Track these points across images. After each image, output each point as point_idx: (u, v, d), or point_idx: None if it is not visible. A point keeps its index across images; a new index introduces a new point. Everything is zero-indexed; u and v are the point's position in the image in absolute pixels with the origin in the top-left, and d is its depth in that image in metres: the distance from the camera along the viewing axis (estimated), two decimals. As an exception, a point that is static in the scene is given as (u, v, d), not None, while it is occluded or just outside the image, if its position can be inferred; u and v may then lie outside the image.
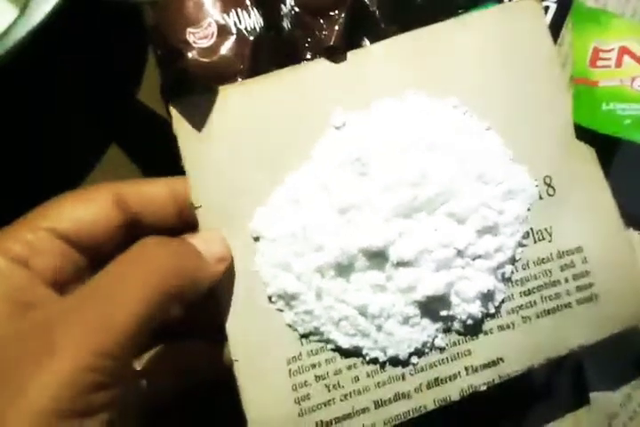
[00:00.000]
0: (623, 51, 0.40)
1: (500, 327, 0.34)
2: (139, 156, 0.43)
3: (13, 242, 0.30)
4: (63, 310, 0.28)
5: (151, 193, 0.34)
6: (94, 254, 0.32)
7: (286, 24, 0.39)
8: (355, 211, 0.33)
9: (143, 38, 0.42)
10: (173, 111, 0.35)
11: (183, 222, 0.35)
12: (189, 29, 0.37)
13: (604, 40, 0.41)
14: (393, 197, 0.32)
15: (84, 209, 0.32)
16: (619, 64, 0.40)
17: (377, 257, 0.32)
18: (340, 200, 0.33)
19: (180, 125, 0.35)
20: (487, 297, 0.34)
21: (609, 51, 0.40)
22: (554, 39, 0.43)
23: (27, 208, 0.42)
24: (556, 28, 0.45)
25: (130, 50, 0.43)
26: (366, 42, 0.40)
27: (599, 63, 0.40)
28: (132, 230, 0.33)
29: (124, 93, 0.43)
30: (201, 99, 0.35)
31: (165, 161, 0.36)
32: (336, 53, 0.36)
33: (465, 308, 0.33)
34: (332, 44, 0.37)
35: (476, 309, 0.33)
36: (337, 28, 0.37)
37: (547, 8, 0.44)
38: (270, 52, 0.38)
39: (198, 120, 0.35)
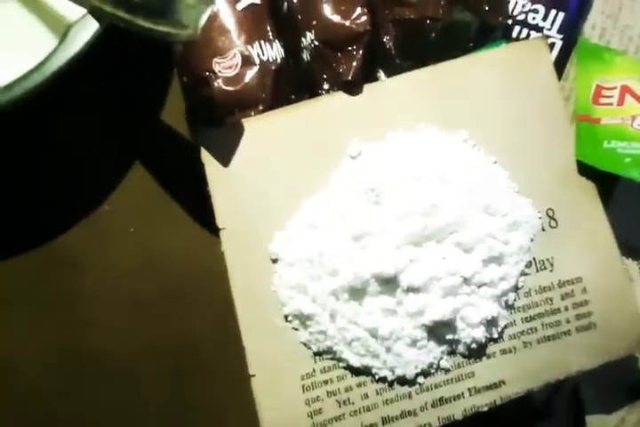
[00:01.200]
0: (625, 89, 0.42)
1: (503, 351, 0.37)
2: (162, 173, 0.45)
3: None
4: None
5: None
6: None
7: (306, 56, 0.41)
8: (368, 238, 0.35)
9: (167, 63, 0.44)
10: (201, 140, 0.38)
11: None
12: (215, 59, 0.40)
13: (606, 78, 0.43)
14: (405, 226, 0.35)
15: None
16: (621, 102, 0.42)
17: (388, 283, 0.35)
18: (355, 228, 0.35)
19: (207, 154, 0.37)
20: (491, 323, 0.36)
21: (611, 89, 0.43)
22: (559, 74, 0.45)
23: (50, 227, 0.44)
24: (561, 64, 0.47)
25: (154, 74, 0.45)
26: (381, 74, 0.42)
27: (602, 100, 0.42)
28: None
29: (149, 115, 0.46)
30: (226, 130, 0.38)
31: (187, 181, 0.39)
32: (353, 87, 0.39)
33: (470, 332, 0.35)
34: (349, 78, 0.39)
35: (480, 333, 0.35)
36: (355, 63, 0.40)
37: (552, 44, 0.46)
38: (290, 82, 0.41)
39: (224, 150, 0.38)
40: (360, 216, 0.35)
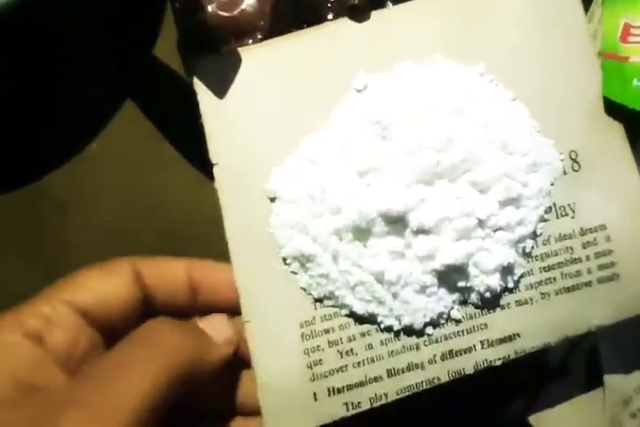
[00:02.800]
0: (655, 28, 0.39)
1: (518, 302, 0.34)
2: (153, 111, 0.42)
3: (30, 316, 0.30)
4: (69, 393, 0.27)
5: (169, 273, 0.34)
6: (109, 331, 0.32)
7: None
8: (375, 174, 0.32)
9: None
10: (195, 68, 0.35)
11: (195, 306, 0.35)
12: (209, -19, 0.36)
13: (634, 16, 0.40)
14: (415, 162, 0.32)
15: (105, 283, 0.32)
16: (650, 41, 0.38)
17: (396, 223, 0.32)
18: (360, 162, 0.32)
19: (201, 83, 0.34)
20: (506, 270, 0.33)
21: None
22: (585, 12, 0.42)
23: (41, 164, 0.41)
24: (586, 3, 0.44)
25: (146, 2, 0.42)
26: (389, 4, 0.39)
27: (630, 39, 0.39)
28: (145, 308, 0.33)
29: (140, 47, 0.43)
30: (222, 58, 0.35)
31: (179, 116, 0.36)
32: (359, 12, 0.35)
33: (483, 280, 0.32)
34: (355, 2, 0.36)
35: (494, 281, 0.32)
36: None
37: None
38: (291, 9, 0.38)
39: (219, 79, 0.35)
40: (366, 150, 0.32)
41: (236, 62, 0.35)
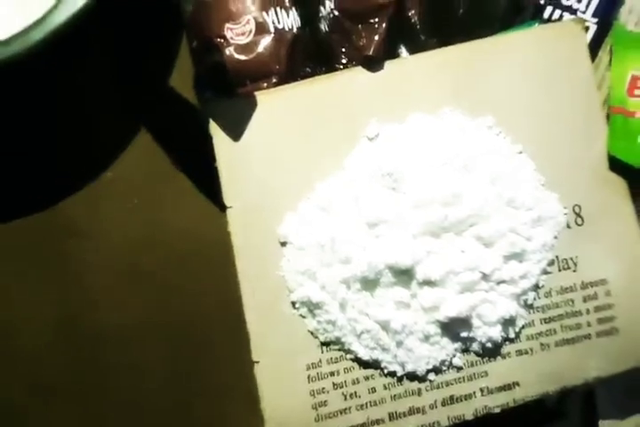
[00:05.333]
0: (661, 82, 0.40)
1: (519, 352, 0.35)
2: (168, 141, 0.43)
3: None
4: None
5: None
6: None
7: (324, 26, 0.39)
8: (384, 226, 0.33)
9: (177, 26, 0.42)
10: (211, 111, 0.36)
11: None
12: (228, 25, 0.37)
13: (642, 69, 0.41)
14: (423, 215, 0.33)
15: None
16: (657, 95, 0.39)
17: (403, 274, 0.33)
18: (370, 214, 0.33)
19: (216, 127, 0.35)
20: (508, 322, 0.34)
21: None
22: (592, 60, 0.43)
23: (57, 191, 0.42)
24: (593, 50, 0.44)
25: (163, 37, 0.43)
26: (403, 51, 0.40)
27: (637, 92, 0.40)
28: None
29: (156, 80, 0.43)
30: (238, 101, 0.36)
31: (193, 146, 0.37)
32: (374, 63, 0.36)
33: (486, 331, 0.34)
34: (370, 53, 0.37)
35: (496, 333, 0.34)
36: (376, 37, 0.37)
37: (586, 28, 0.44)
38: (306, 52, 0.39)
39: (234, 123, 0.36)
40: (376, 202, 0.33)
41: (251, 106, 0.36)
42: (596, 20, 0.43)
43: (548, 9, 0.43)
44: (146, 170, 0.42)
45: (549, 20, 0.44)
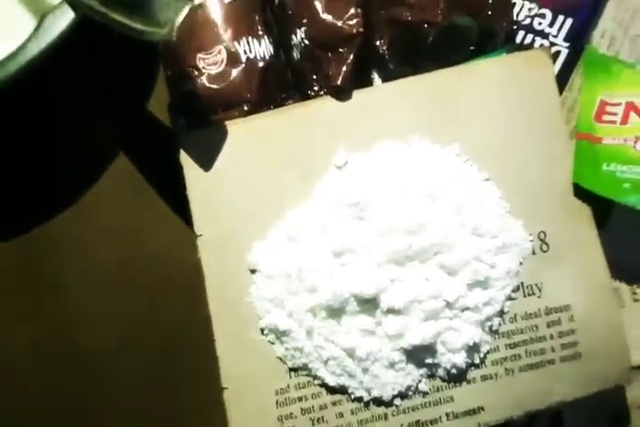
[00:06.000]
0: (630, 107, 0.41)
1: (484, 377, 0.35)
2: (146, 167, 0.44)
3: None
4: None
5: None
6: None
7: (296, 54, 0.40)
8: (350, 255, 0.34)
9: (155, 53, 0.43)
10: (181, 142, 0.37)
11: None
12: (200, 55, 0.38)
13: (612, 93, 0.41)
14: (388, 244, 0.34)
15: None
16: (624, 121, 0.40)
17: (368, 303, 0.33)
18: (336, 244, 0.34)
19: (187, 157, 0.36)
20: (473, 348, 0.35)
21: (616, 105, 0.41)
22: (563, 84, 0.44)
23: (33, 213, 0.43)
24: (566, 73, 0.45)
25: (141, 63, 0.44)
26: (376, 77, 0.40)
27: (605, 118, 0.41)
28: None
29: (134, 103, 0.44)
30: (209, 132, 0.37)
31: (171, 177, 0.38)
32: (342, 92, 0.37)
33: (450, 357, 0.34)
34: (338, 83, 0.37)
35: (460, 359, 0.34)
36: (344, 67, 0.38)
37: (558, 53, 0.44)
38: (280, 79, 0.39)
39: (204, 153, 0.37)
40: (342, 232, 0.34)
41: (221, 136, 0.37)
42: (567, 44, 0.44)
43: (521, 34, 0.44)
44: (124, 193, 0.43)
45: (521, 44, 0.44)
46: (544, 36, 0.44)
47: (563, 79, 0.44)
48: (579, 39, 0.44)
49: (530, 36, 0.44)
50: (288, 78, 0.40)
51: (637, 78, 0.43)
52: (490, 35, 0.41)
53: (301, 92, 0.39)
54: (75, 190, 0.44)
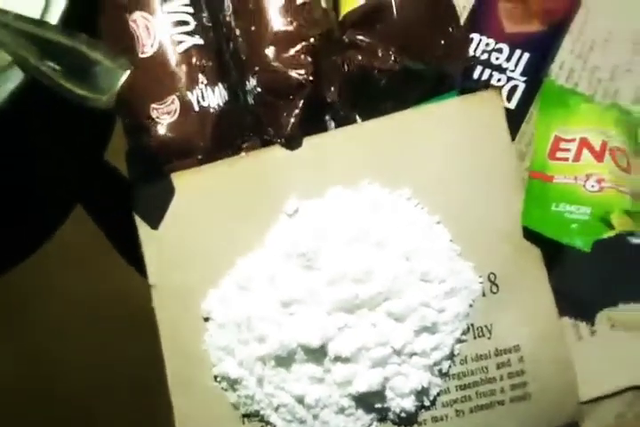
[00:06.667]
0: (583, 143, 0.41)
1: (435, 419, 0.36)
2: (102, 216, 0.44)
3: None
4: None
5: None
6: None
7: (250, 99, 0.40)
8: (298, 304, 0.34)
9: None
10: (135, 195, 0.37)
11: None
12: (153, 105, 0.39)
13: (567, 128, 0.42)
14: (336, 293, 0.34)
15: None
16: (577, 158, 0.40)
17: (316, 351, 0.34)
18: (284, 294, 0.34)
19: (139, 210, 0.37)
20: (422, 392, 0.35)
21: (570, 141, 0.41)
22: (521, 118, 0.44)
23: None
24: (524, 107, 0.45)
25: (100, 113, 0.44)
26: (330, 122, 0.41)
27: (558, 155, 0.41)
28: None
29: (91, 153, 0.45)
30: (161, 183, 0.37)
31: (126, 222, 0.38)
32: (291, 141, 0.38)
33: (399, 402, 0.35)
34: (287, 131, 0.38)
35: (409, 403, 0.35)
36: (293, 116, 0.38)
37: (515, 87, 0.45)
38: (237, 124, 0.40)
39: (157, 204, 0.38)
40: (290, 281, 0.35)
41: (173, 187, 0.37)
42: (525, 78, 0.44)
43: (478, 69, 0.44)
44: (83, 241, 0.43)
45: (479, 80, 0.45)
46: (501, 70, 0.44)
47: (520, 113, 0.44)
48: (536, 73, 0.44)
49: (487, 71, 0.45)
50: (248, 122, 0.40)
51: (594, 113, 0.43)
52: (445, 76, 0.41)
53: (260, 136, 0.40)
54: (35, 240, 0.44)
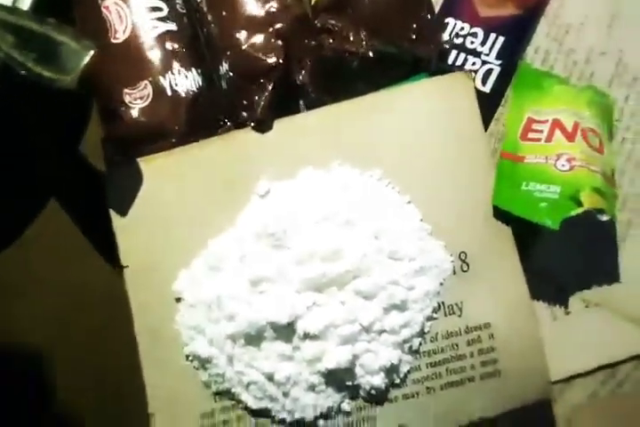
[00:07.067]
0: (556, 124, 0.41)
1: (405, 396, 0.36)
2: (75, 205, 0.45)
3: None
4: None
5: None
6: None
7: (224, 84, 0.41)
8: (267, 283, 0.35)
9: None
10: (108, 178, 0.38)
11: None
12: (126, 90, 0.39)
13: (540, 109, 0.42)
14: (304, 271, 0.34)
15: None
16: (549, 139, 0.40)
17: (284, 329, 0.34)
18: (253, 272, 0.35)
19: (111, 193, 0.37)
20: (392, 369, 0.36)
21: (543, 122, 0.41)
22: (496, 103, 0.44)
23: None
24: (499, 91, 0.45)
25: (75, 102, 0.45)
26: (301, 105, 0.41)
27: (530, 135, 0.41)
28: None
29: (66, 143, 0.45)
30: (133, 167, 0.37)
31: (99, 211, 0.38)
32: (262, 124, 0.38)
33: (369, 379, 0.35)
34: (257, 114, 0.38)
35: (379, 380, 0.35)
36: (264, 99, 0.39)
37: (490, 71, 0.45)
38: (213, 108, 0.40)
39: (128, 188, 0.38)
40: (259, 260, 0.35)
41: (145, 170, 0.38)
42: (500, 62, 0.44)
43: (453, 53, 0.45)
44: (66, 232, 0.43)
45: (454, 64, 0.45)
46: (476, 54, 0.45)
47: (496, 97, 0.44)
48: (511, 56, 0.45)
49: (462, 56, 0.45)
50: (223, 106, 0.41)
51: (568, 94, 0.43)
52: (419, 60, 0.41)
53: (233, 120, 0.40)
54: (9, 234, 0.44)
